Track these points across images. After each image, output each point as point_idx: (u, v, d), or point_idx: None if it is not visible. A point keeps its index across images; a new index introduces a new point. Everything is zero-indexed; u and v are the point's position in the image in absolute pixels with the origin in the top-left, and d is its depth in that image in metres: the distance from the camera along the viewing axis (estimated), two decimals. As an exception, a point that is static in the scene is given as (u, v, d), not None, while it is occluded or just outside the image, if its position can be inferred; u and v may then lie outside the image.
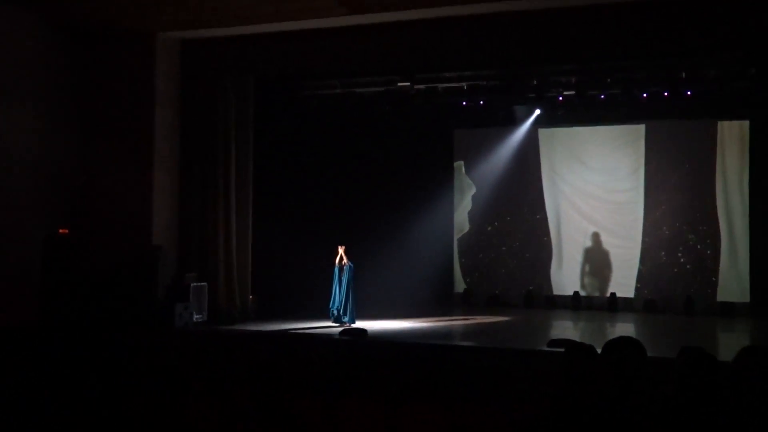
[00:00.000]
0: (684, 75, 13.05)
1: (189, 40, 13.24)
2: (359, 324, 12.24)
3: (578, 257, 15.96)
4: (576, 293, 15.86)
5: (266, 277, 14.58)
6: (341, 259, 12.58)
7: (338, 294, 12.50)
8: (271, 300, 14.37)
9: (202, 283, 13.15)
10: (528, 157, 16.33)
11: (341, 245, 12.68)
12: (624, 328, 12.97)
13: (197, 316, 12.88)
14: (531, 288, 16.16)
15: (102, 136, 12.98)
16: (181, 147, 13.54)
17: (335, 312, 12.57)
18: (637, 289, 15.50)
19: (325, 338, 10.68)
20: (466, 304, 16.19)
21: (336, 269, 12.66)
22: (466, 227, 16.81)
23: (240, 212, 13.63)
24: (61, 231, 12.21)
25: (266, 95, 14.05)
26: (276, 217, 15.35)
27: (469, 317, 14.09)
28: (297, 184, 16.09)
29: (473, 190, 16.60)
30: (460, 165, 16.67)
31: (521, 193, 16.36)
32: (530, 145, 16.29)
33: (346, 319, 12.50)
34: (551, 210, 16.26)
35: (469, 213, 16.73)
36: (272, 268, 14.99)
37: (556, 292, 16.00)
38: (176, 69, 13.40)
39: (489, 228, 16.65)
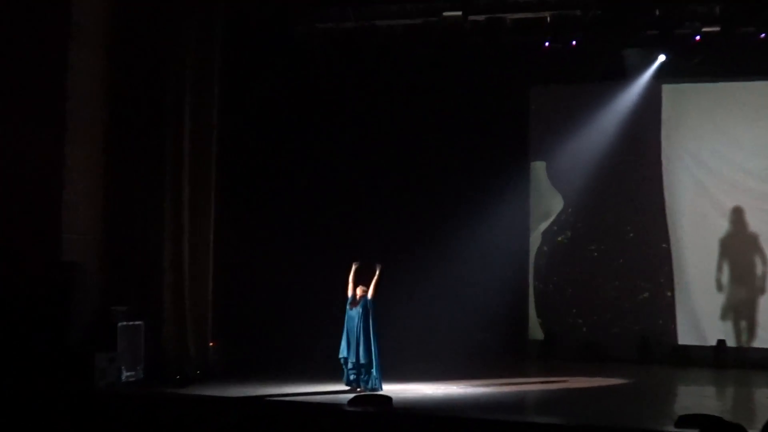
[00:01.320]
0: None
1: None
2: (384, 388, 12.57)
3: (722, 287, 16.02)
4: (720, 343, 15.92)
5: (236, 313, 14.85)
6: (354, 285, 12.67)
7: (355, 342, 12.71)
8: (242, 347, 14.55)
9: (138, 322, 13.21)
10: (644, 128, 16.41)
11: (355, 261, 12.78)
12: (795, 397, 13.06)
13: (128, 373, 12.97)
14: (647, 334, 16.27)
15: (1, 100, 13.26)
16: (110, 111, 13.73)
17: (351, 369, 12.80)
18: (816, 337, 15.52)
19: (327, 409, 10.15)
20: (546, 357, 16.34)
21: (347, 303, 12.76)
22: (547, 242, 16.94)
23: (197, 213, 13.90)
24: None
25: (241, 34, 14.40)
26: (252, 221, 15.64)
27: (552, 378, 14.23)
28: (285, 172, 16.31)
29: (558, 186, 16.85)
30: (540, 165, 17.15)
31: (631, 186, 16.45)
32: (648, 109, 16.35)
33: (370, 383, 12.73)
34: (678, 212, 16.39)
35: (552, 221, 16.99)
36: (245, 299, 15.28)
37: (686, 340, 16.12)
38: (105, -4, 13.51)
39: (581, 244, 16.77)
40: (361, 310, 12.81)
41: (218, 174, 14.04)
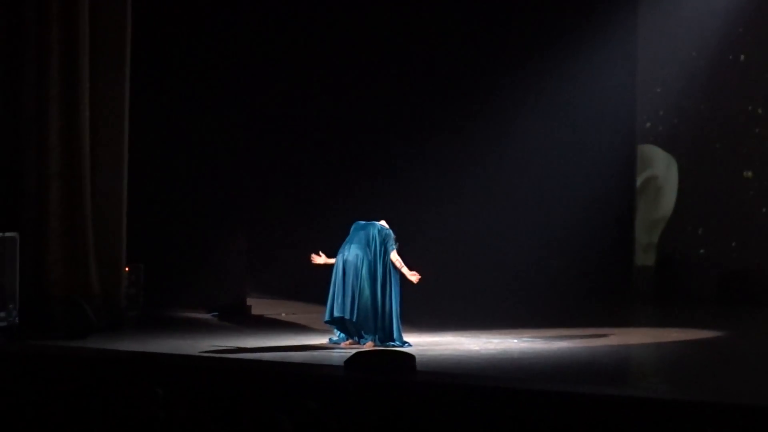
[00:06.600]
0: None
1: None
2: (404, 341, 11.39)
3: None
4: None
5: (164, 226, 14.02)
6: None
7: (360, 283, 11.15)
8: (171, 277, 13.84)
9: (11, 234, 11.84)
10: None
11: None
12: None
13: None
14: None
15: None
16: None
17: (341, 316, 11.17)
18: None
19: (315, 375, 9.60)
20: (661, 296, 15.39)
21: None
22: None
23: (104, 82, 12.81)
24: None
25: None
26: (184, 102, 14.26)
27: (668, 330, 12.76)
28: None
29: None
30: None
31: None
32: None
33: (380, 333, 11.16)
34: None
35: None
36: (173, 210, 14.23)
37: None
38: None
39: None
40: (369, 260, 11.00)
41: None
